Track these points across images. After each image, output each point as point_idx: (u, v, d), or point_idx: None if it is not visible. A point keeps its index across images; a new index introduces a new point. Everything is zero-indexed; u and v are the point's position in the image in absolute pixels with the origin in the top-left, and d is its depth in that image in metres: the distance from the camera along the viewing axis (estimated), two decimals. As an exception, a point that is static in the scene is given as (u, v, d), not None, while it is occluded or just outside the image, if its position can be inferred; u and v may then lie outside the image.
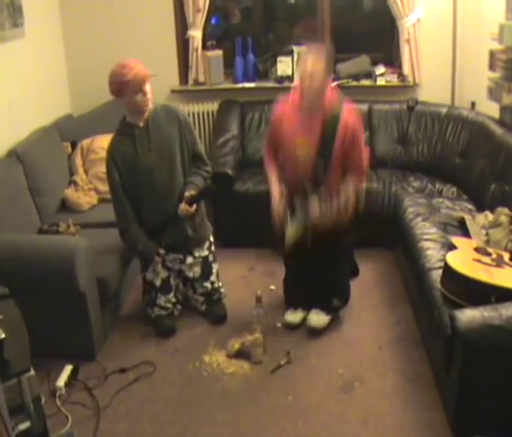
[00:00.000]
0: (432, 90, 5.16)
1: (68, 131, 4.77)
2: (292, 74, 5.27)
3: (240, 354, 3.49)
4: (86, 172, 4.63)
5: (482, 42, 4.57)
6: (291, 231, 3.43)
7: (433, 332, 3.17)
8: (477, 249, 3.23)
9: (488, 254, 3.17)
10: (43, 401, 2.69)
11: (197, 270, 3.80)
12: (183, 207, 3.56)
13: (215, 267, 3.90)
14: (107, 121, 4.96)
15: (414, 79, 5.16)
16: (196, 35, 5.19)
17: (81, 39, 5.31)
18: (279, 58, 5.31)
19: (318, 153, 3.38)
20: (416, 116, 4.94)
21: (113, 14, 5.28)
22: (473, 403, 2.78)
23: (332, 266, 3.66)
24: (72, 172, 4.64)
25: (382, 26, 5.56)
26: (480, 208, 4.00)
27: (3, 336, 2.34)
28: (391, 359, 3.46)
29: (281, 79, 5.31)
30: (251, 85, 5.38)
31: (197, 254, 3.77)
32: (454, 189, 4.52)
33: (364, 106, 5.03)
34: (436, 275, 3.18)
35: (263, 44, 5.70)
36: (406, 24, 4.99)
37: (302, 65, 3.33)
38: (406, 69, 5.13)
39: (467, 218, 3.74)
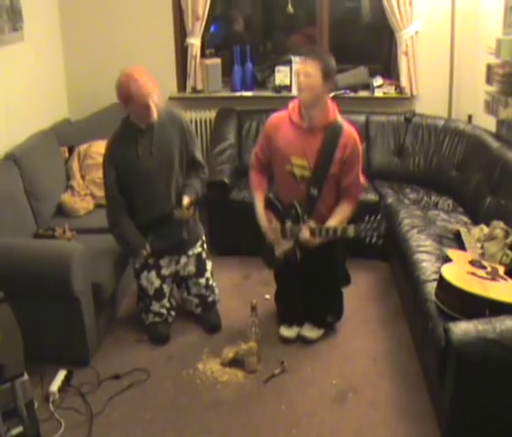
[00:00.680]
0: (429, 103, 5.18)
1: (66, 136, 4.77)
2: (290, 83, 5.28)
3: (235, 363, 3.48)
4: (82, 177, 4.63)
5: (479, 56, 4.61)
6: (281, 250, 3.50)
7: (427, 344, 3.17)
8: (472, 263, 3.23)
9: (483, 267, 3.18)
10: (36, 405, 2.69)
11: (191, 268, 3.81)
12: (181, 211, 3.56)
13: (209, 264, 3.91)
14: (104, 127, 4.95)
15: (411, 91, 5.18)
16: (195, 42, 5.20)
17: (80, 44, 5.32)
18: (277, 68, 5.32)
19: (314, 175, 3.38)
20: (413, 129, 4.98)
21: (112, 20, 5.29)
22: (466, 416, 2.78)
23: (324, 281, 3.65)
24: (69, 177, 4.63)
25: (380, 38, 5.59)
26: (476, 221, 4.02)
27: (-3, 340, 2.35)
28: (385, 370, 3.46)
29: (278, 89, 5.32)
30: (249, 93, 5.38)
31: (190, 252, 3.79)
32: (449, 202, 4.53)
33: (362, 118, 5.06)
34: (431, 287, 3.18)
35: (262, 53, 5.71)
36: (404, 36, 5.01)
37: (297, 74, 3.33)
38: (404, 81, 5.14)
39: (463, 230, 3.75)
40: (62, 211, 4.40)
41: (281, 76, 5.32)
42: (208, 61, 5.34)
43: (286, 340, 3.72)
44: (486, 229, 3.66)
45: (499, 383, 2.69)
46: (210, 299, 3.91)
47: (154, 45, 5.32)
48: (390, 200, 4.53)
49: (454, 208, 4.46)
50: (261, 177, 3.64)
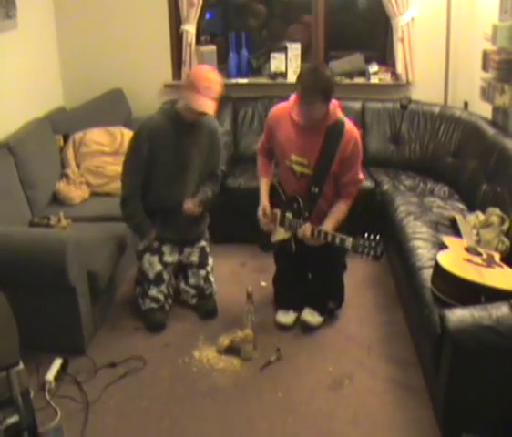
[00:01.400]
0: (425, 89, 5.17)
1: (61, 124, 4.74)
2: (286, 70, 5.27)
3: (231, 350, 3.48)
4: (78, 165, 4.61)
5: (475, 42, 4.60)
6: (278, 235, 3.54)
7: (423, 331, 3.18)
8: (468, 249, 3.24)
9: (479, 254, 3.18)
10: (32, 394, 2.67)
11: (194, 259, 3.84)
12: (190, 205, 3.65)
13: (211, 259, 3.94)
14: (99, 114, 4.97)
15: (407, 78, 5.16)
16: (190, 29, 5.17)
17: (74, 32, 5.28)
18: (272, 55, 5.31)
19: (315, 174, 3.41)
20: (409, 115, 4.97)
21: (107, 6, 5.25)
22: (461, 402, 2.79)
23: (326, 267, 3.66)
24: (64, 165, 4.61)
25: (376, 25, 5.57)
26: (471, 207, 4.02)
27: (-8, 329, 2.34)
28: (381, 357, 3.47)
29: (274, 75, 5.30)
30: (245, 81, 5.36)
31: (194, 245, 3.84)
32: (445, 189, 4.53)
33: (357, 104, 5.05)
34: (427, 274, 3.18)
35: (257, 40, 5.68)
36: (400, 22, 4.99)
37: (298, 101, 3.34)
38: (400, 68, 5.13)
39: (459, 217, 3.75)
40: (57, 200, 4.38)
41: (277, 62, 5.30)
42: (203, 48, 5.31)
43: (283, 327, 3.72)
44: (481, 216, 3.65)
45: (495, 370, 2.69)
46: (208, 291, 3.91)
47: (149, 32, 5.30)
48: (386, 187, 4.53)
49: (450, 194, 4.46)
50: (268, 162, 3.70)
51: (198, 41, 5.34)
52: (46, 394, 3.15)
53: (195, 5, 5.09)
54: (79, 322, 3.44)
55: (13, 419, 2.54)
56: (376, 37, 5.63)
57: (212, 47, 5.34)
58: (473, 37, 4.75)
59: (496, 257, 3.17)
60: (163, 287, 3.79)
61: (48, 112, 4.79)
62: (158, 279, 3.76)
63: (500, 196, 3.76)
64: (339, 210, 3.45)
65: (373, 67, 5.24)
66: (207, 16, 5.63)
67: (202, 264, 3.87)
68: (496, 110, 4.32)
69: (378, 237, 3.21)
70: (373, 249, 3.18)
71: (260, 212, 3.56)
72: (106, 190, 4.53)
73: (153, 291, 3.75)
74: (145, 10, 5.25)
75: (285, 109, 3.51)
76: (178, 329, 3.76)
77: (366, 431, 2.94)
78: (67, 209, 4.19)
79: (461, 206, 4.17)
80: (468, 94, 4.96)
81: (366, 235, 3.21)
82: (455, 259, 3.11)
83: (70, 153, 4.64)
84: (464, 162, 4.48)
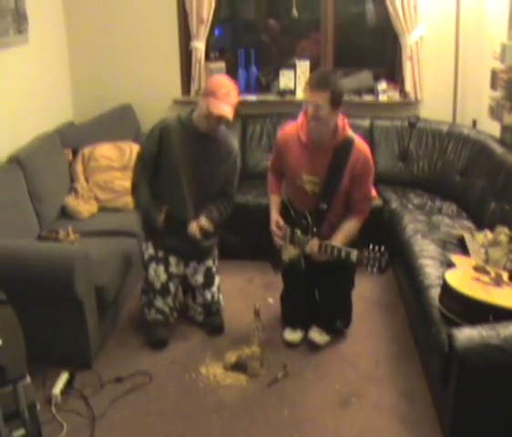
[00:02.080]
0: (433, 107, 5.17)
1: (70, 138, 4.76)
2: (295, 87, 5.29)
3: (237, 367, 3.47)
4: (86, 180, 4.63)
5: (484, 61, 4.60)
6: (288, 253, 3.54)
7: (430, 350, 3.16)
8: (476, 268, 3.22)
9: (487, 273, 3.17)
10: (38, 408, 2.67)
11: (199, 278, 3.81)
12: (195, 227, 3.62)
13: (217, 279, 3.91)
14: (108, 129, 4.99)
15: (415, 96, 5.17)
16: (199, 46, 5.20)
17: (85, 47, 5.33)
18: (281, 71, 5.33)
19: (323, 191, 3.41)
20: (417, 133, 4.97)
21: (117, 23, 5.29)
22: (469, 421, 2.77)
23: (336, 285, 3.65)
24: (73, 179, 4.63)
25: (385, 42, 5.59)
26: (480, 226, 4.00)
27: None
28: (388, 375, 3.46)
29: (283, 93, 5.32)
30: (253, 98, 5.38)
31: (200, 262, 3.81)
32: (453, 207, 4.52)
33: (366, 122, 5.06)
34: (435, 292, 3.18)
35: (266, 56, 5.70)
36: (409, 40, 5.00)
37: (305, 102, 3.35)
38: (408, 86, 5.14)
39: (467, 236, 3.75)
40: (66, 214, 4.39)
41: (286, 79, 5.32)
42: (212, 64, 5.34)
43: (290, 345, 3.71)
44: (490, 235, 3.64)
45: (503, 389, 2.68)
46: (215, 307, 3.90)
47: (159, 49, 5.33)
48: (394, 205, 4.53)
49: (458, 213, 4.45)
50: (278, 180, 3.70)
51: (207, 57, 5.37)
52: (53, 408, 3.14)
53: (204, 22, 5.12)
54: (86, 336, 3.43)
55: (19, 432, 2.54)
56: (385, 54, 5.64)
57: (221, 64, 5.37)
58: (481, 56, 4.76)
59: (505, 276, 3.15)
60: (169, 299, 3.77)
61: (58, 126, 4.81)
62: (164, 291, 3.75)
63: (509, 214, 3.76)
64: (349, 226, 3.44)
65: (382, 85, 5.24)
66: (216, 33, 5.67)
67: (208, 285, 3.84)
68: (504, 129, 4.32)
69: (383, 248, 3.20)
70: (378, 261, 3.18)
71: (273, 225, 3.56)
72: (114, 205, 4.54)
73: (159, 303, 3.75)
74: (155, 27, 5.29)
75: (293, 131, 3.51)
76: (185, 344, 3.75)
77: (373, 450, 2.93)
78: (75, 223, 4.20)
79: (469, 224, 4.16)
80: (477, 112, 4.96)
81: (371, 247, 3.21)
82: (463, 277, 3.10)
83: (79, 167, 4.66)
84: (472, 180, 4.47)
